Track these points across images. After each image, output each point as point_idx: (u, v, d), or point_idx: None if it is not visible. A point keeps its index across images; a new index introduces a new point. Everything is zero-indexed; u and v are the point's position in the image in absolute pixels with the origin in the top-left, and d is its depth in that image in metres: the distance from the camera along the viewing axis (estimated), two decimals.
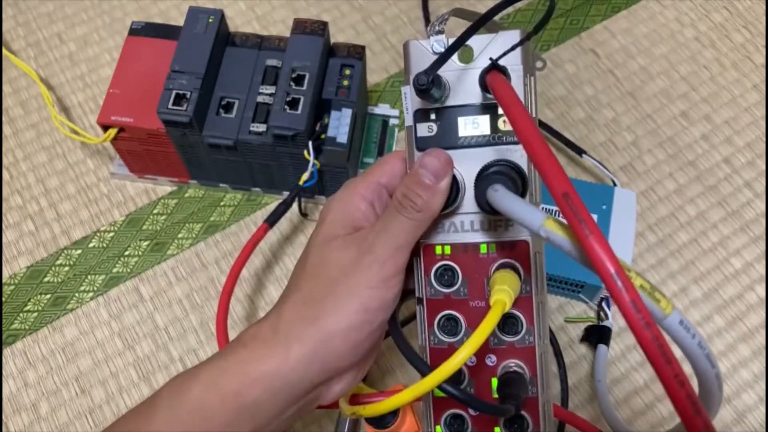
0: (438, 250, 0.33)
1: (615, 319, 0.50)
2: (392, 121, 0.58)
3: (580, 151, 0.55)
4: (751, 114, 0.58)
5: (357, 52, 0.52)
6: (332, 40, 0.52)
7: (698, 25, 0.62)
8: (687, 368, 0.24)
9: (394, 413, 0.44)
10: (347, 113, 0.49)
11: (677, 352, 0.24)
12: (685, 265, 0.53)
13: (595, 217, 0.50)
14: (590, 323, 0.51)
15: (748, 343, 0.50)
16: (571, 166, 0.57)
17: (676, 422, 0.48)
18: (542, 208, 0.35)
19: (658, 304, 0.23)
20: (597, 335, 0.49)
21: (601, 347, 0.49)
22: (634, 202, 0.51)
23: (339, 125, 0.49)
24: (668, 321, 0.23)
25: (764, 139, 0.57)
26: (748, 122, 0.58)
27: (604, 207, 0.51)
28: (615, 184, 0.53)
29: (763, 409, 0.48)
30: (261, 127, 0.49)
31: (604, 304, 0.50)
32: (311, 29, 0.50)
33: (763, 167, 0.56)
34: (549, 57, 0.61)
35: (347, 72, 0.51)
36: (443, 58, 0.29)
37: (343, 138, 0.49)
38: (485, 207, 0.30)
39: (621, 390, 0.49)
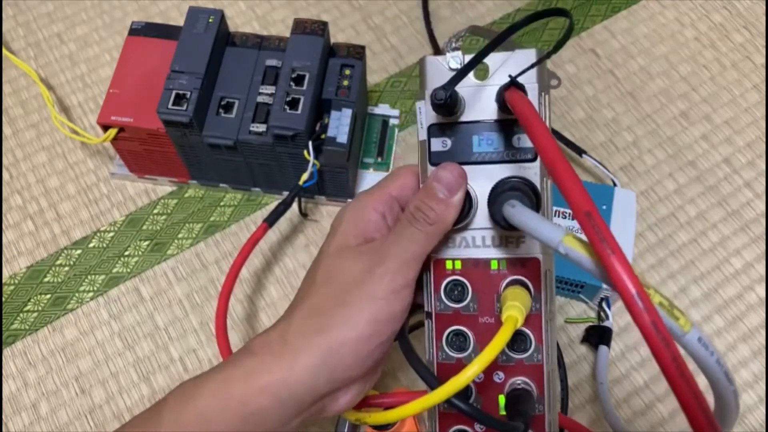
0: (449, 264, 0.33)
1: (615, 320, 0.50)
2: (392, 121, 0.58)
3: (580, 151, 0.55)
4: (751, 114, 0.58)
5: (357, 52, 0.52)
6: (332, 40, 0.52)
7: (698, 25, 0.62)
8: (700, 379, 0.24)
9: None
10: (347, 113, 0.49)
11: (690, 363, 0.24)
12: (685, 265, 0.53)
13: None
14: (590, 324, 0.51)
15: (748, 343, 0.50)
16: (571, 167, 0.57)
17: (676, 422, 0.48)
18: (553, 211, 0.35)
19: (677, 322, 0.23)
20: (597, 336, 0.49)
21: (602, 348, 0.49)
22: (634, 202, 0.51)
23: (339, 125, 0.49)
24: (687, 338, 0.23)
25: (764, 139, 0.57)
26: (748, 122, 0.58)
27: (604, 207, 0.51)
28: (615, 184, 0.53)
29: (763, 409, 0.48)
30: (261, 127, 0.49)
31: (604, 305, 0.50)
32: (311, 29, 0.50)
33: (763, 167, 0.56)
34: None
35: (347, 72, 0.51)
36: (461, 73, 0.29)
37: (343, 138, 0.49)
38: (501, 222, 0.30)
39: (621, 390, 0.49)
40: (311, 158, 0.49)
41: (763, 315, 0.51)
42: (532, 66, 0.30)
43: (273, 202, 0.56)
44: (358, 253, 0.32)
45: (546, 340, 0.32)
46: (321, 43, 0.50)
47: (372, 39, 0.63)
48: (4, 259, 0.54)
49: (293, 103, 0.48)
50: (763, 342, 0.50)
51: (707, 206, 0.55)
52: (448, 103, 0.29)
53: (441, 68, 0.32)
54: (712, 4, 0.63)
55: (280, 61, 0.50)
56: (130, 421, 0.32)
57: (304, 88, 0.48)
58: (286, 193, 0.55)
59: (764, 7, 0.63)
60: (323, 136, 0.49)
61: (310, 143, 0.48)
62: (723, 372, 0.23)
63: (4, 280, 0.54)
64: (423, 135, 0.33)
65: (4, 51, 0.60)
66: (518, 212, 0.28)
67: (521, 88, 0.30)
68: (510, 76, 0.30)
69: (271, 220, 0.50)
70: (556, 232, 0.26)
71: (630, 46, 0.62)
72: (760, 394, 0.49)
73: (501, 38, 0.29)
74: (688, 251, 0.53)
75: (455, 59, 0.32)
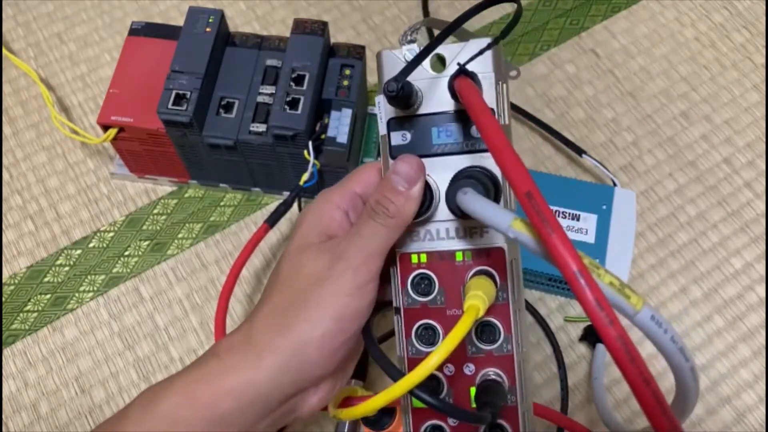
0: (414, 258, 0.33)
1: None
2: None
3: (580, 151, 0.55)
4: (751, 114, 0.58)
5: (357, 52, 0.52)
6: (332, 40, 0.52)
7: (698, 25, 0.62)
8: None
9: (390, 415, 0.44)
10: (347, 113, 0.49)
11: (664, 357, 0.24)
12: (685, 265, 0.53)
13: (595, 217, 0.50)
14: (590, 323, 0.51)
15: (748, 343, 0.50)
16: (572, 166, 0.57)
17: None
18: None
19: (627, 300, 0.23)
20: (596, 335, 0.49)
21: (600, 346, 0.49)
22: (634, 202, 0.51)
23: (339, 125, 0.49)
24: (639, 317, 0.23)
25: (764, 139, 0.57)
26: (748, 122, 0.58)
27: (604, 207, 0.51)
28: (615, 184, 0.53)
29: (763, 409, 0.48)
30: (261, 127, 0.49)
31: None
32: (311, 29, 0.50)
33: (763, 167, 0.56)
34: (549, 57, 0.61)
35: (347, 72, 0.51)
36: (412, 64, 0.29)
37: (343, 138, 0.49)
38: (456, 211, 0.30)
39: (621, 390, 0.49)
40: (311, 158, 0.49)
41: (763, 315, 0.51)
42: (479, 53, 0.30)
43: (273, 202, 0.56)
44: (319, 251, 0.32)
45: (515, 329, 0.32)
46: (321, 43, 0.50)
47: (372, 39, 0.63)
48: (4, 259, 0.54)
49: (293, 103, 0.48)
50: (763, 342, 0.50)
51: (707, 206, 0.55)
52: (401, 95, 0.29)
53: (397, 61, 0.32)
54: (712, 4, 0.63)
55: (280, 61, 0.50)
56: (96, 427, 0.32)
57: (304, 88, 0.48)
58: (286, 193, 0.55)
59: (764, 7, 0.63)
60: (323, 136, 0.49)
61: (310, 143, 0.48)
62: (678, 349, 0.23)
63: (4, 280, 0.54)
64: (383, 129, 0.33)
65: (4, 51, 0.60)
66: (468, 199, 0.28)
67: (471, 75, 0.30)
68: (459, 64, 0.29)
69: (273, 220, 0.50)
70: (505, 216, 0.25)
71: (630, 46, 0.62)
72: (760, 394, 0.49)
73: (452, 28, 0.28)
74: (688, 251, 0.53)
75: (411, 52, 0.31)
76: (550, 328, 0.51)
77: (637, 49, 0.61)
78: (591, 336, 0.50)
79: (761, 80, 0.60)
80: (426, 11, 0.63)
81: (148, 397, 0.31)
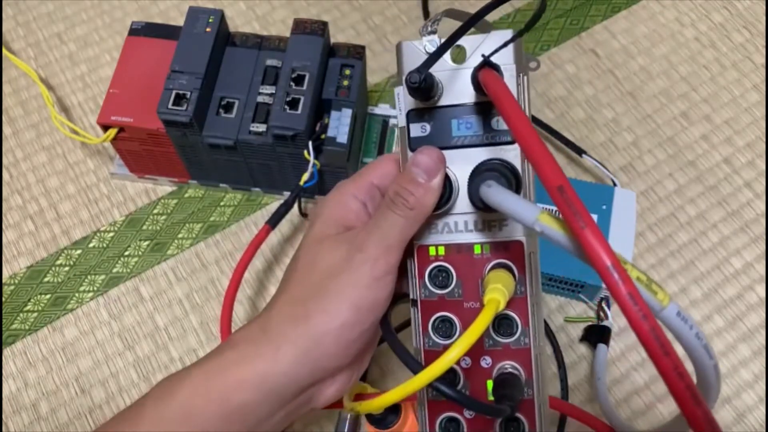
0: (432, 251, 0.32)
1: (615, 319, 0.50)
2: (392, 121, 0.58)
3: (580, 151, 0.55)
4: (751, 114, 0.58)
5: (357, 52, 0.52)
6: (332, 40, 0.52)
7: (698, 25, 0.62)
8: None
9: (395, 413, 0.44)
10: (347, 113, 0.49)
11: (678, 349, 0.24)
12: (685, 265, 0.53)
13: (594, 217, 0.50)
14: (590, 323, 0.51)
15: (748, 343, 0.50)
16: (571, 166, 0.57)
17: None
18: (546, 209, 0.35)
19: (655, 296, 0.23)
20: (597, 335, 0.49)
21: (601, 346, 0.49)
22: (634, 202, 0.51)
23: (339, 125, 0.49)
24: (666, 313, 0.23)
25: (764, 139, 0.57)
26: (748, 122, 0.58)
27: (604, 207, 0.51)
28: (615, 184, 0.53)
29: (763, 409, 0.48)
30: (261, 127, 0.49)
31: (603, 304, 0.50)
32: (311, 29, 0.50)
33: (763, 167, 0.56)
34: (549, 57, 0.61)
35: (347, 72, 0.51)
36: (435, 56, 0.29)
37: (343, 138, 0.49)
38: (478, 204, 0.30)
39: (621, 390, 0.49)
40: (311, 158, 0.49)
41: (763, 315, 0.51)
42: (504, 45, 0.30)
43: (273, 203, 0.56)
44: (337, 242, 0.32)
45: (533, 323, 0.32)
46: (321, 43, 0.50)
47: (372, 39, 0.63)
48: (4, 259, 0.54)
49: (293, 103, 0.48)
50: (763, 342, 0.50)
51: (707, 206, 0.55)
52: (423, 87, 0.29)
53: (417, 52, 0.32)
54: (712, 4, 0.63)
55: (280, 61, 0.50)
56: (112, 418, 0.32)
57: (304, 88, 0.48)
58: (286, 193, 0.55)
59: (764, 7, 0.63)
60: (323, 136, 0.49)
61: (310, 143, 0.48)
62: (703, 346, 0.23)
63: (4, 280, 0.54)
64: (402, 121, 0.32)
65: (4, 51, 0.60)
66: (494, 192, 0.28)
67: (495, 67, 0.30)
68: (483, 55, 0.29)
69: (274, 221, 0.50)
70: (531, 210, 0.25)
71: (630, 46, 0.62)
72: (760, 394, 0.49)
73: (474, 19, 0.28)
74: (688, 251, 0.53)
75: (431, 43, 0.31)
76: (550, 328, 0.51)
77: (637, 49, 0.61)
78: (591, 336, 0.50)
79: (761, 80, 0.60)
80: (426, 11, 0.63)
81: (164, 388, 0.31)
